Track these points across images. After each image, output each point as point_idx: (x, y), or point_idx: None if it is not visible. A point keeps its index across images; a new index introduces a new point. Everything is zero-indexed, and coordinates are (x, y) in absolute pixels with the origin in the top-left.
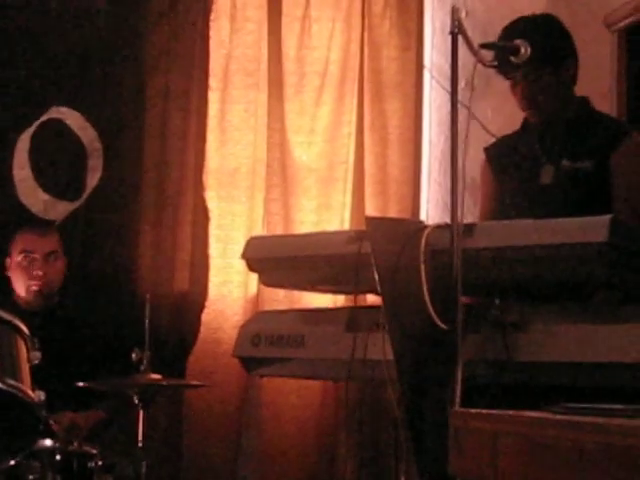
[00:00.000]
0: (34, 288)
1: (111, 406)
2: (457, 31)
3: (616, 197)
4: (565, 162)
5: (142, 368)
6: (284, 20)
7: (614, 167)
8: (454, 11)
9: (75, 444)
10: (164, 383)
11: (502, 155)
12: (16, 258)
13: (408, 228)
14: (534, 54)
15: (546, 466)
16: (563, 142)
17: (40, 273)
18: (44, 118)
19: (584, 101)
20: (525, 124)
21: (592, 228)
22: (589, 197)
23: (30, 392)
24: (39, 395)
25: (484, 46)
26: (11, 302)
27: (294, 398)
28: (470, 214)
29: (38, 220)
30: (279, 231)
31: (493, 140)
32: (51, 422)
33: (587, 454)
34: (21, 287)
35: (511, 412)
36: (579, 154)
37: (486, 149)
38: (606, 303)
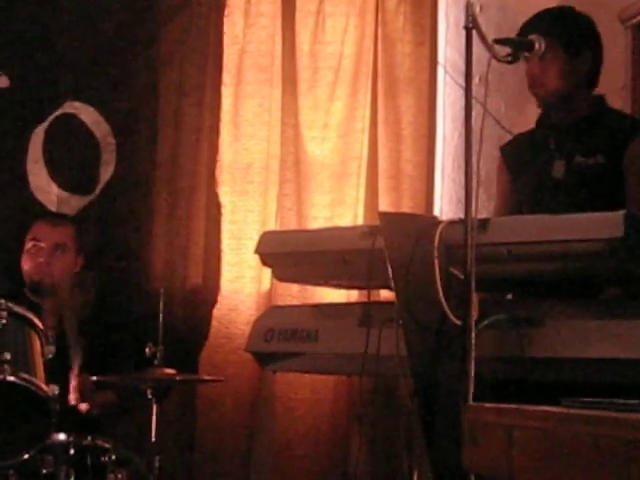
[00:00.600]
0: (37, 276)
1: (122, 394)
2: (471, 26)
3: (629, 193)
4: (578, 158)
5: (155, 362)
6: (298, 15)
7: (627, 163)
8: (468, 6)
9: (89, 438)
10: (177, 378)
11: (517, 153)
12: (26, 246)
13: (422, 223)
14: (549, 32)
15: (561, 460)
16: (576, 138)
17: (42, 261)
18: (58, 113)
19: (600, 99)
20: (540, 121)
21: (607, 224)
22: (602, 193)
23: (44, 386)
24: (53, 389)
25: (498, 41)
26: (22, 296)
27: (307, 393)
28: (484, 209)
29: (55, 213)
30: (292, 226)
31: (509, 138)
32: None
33: (602, 449)
34: (26, 273)
35: (525, 406)
36: (592, 150)
37: (502, 148)
38: (620, 299)
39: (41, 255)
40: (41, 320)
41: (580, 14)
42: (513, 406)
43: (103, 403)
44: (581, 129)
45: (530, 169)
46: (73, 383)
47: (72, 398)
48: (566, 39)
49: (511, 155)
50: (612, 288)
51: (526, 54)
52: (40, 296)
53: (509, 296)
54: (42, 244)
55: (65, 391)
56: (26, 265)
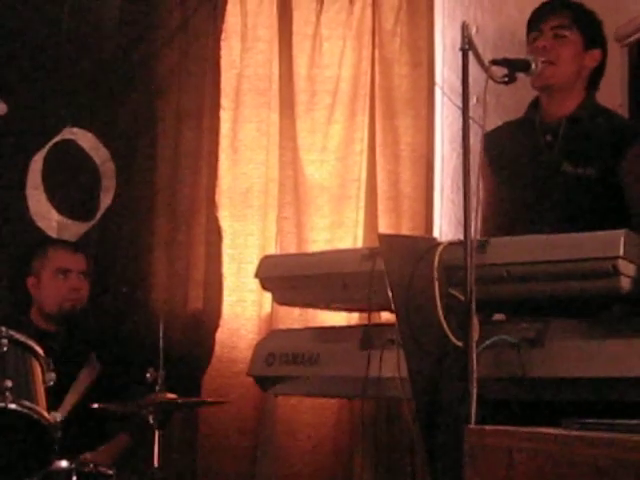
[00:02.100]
0: (68, 304)
1: (133, 427)
2: (468, 47)
3: (631, 202)
4: (566, 166)
5: (157, 388)
6: (295, 39)
7: (626, 171)
8: (464, 27)
9: (91, 465)
10: (179, 401)
11: (501, 143)
12: (49, 275)
13: (421, 245)
14: (570, 12)
15: None
16: (566, 142)
17: (77, 288)
18: (57, 139)
19: (590, 96)
20: (529, 113)
21: (606, 243)
22: (593, 203)
23: (45, 413)
24: (55, 416)
25: (495, 62)
26: (26, 322)
27: (309, 416)
28: None
29: (65, 241)
30: (292, 250)
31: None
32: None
33: (602, 470)
34: (52, 303)
35: (526, 428)
36: (582, 160)
37: (486, 135)
38: (621, 318)
39: (72, 283)
40: (46, 347)
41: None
42: (513, 428)
43: (119, 453)
44: (572, 132)
45: (515, 167)
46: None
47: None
48: (586, 27)
49: (495, 147)
50: (617, 307)
51: (522, 74)
52: (55, 323)
53: (513, 317)
54: (71, 272)
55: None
56: (53, 294)
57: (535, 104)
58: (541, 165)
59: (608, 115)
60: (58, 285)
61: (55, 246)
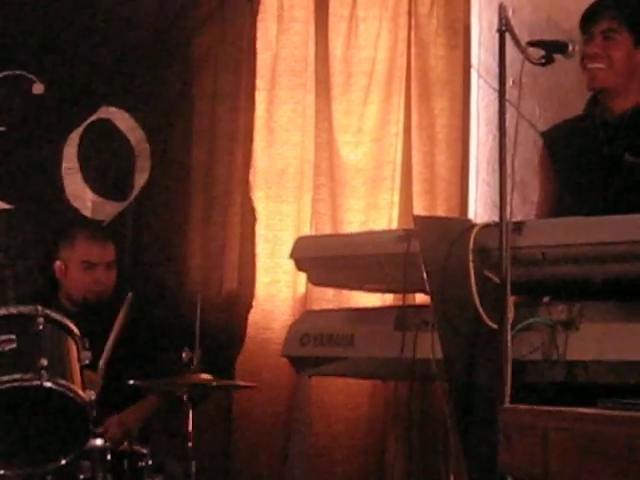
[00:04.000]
0: (92, 295)
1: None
2: (504, 29)
3: None
4: (628, 156)
5: (192, 368)
6: (331, 20)
7: None
8: (501, 9)
9: (125, 444)
10: (214, 384)
11: (562, 141)
12: (75, 266)
13: (456, 227)
14: (618, 14)
15: (596, 462)
16: (627, 133)
17: (102, 282)
18: (93, 118)
19: None
20: (588, 109)
21: None
22: None
23: (81, 392)
24: (90, 395)
25: (532, 44)
26: (55, 303)
27: (343, 397)
28: (519, 212)
29: (92, 224)
30: (327, 231)
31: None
32: (99, 431)
33: (637, 449)
34: (78, 292)
35: (561, 408)
36: None
37: (544, 134)
38: None
39: (98, 275)
40: (78, 327)
41: None
42: (548, 408)
43: (147, 414)
44: (631, 124)
45: (576, 162)
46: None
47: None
48: (635, 25)
49: (555, 143)
50: None
51: (560, 55)
52: (88, 313)
53: (546, 299)
54: (97, 265)
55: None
56: (79, 284)
57: (594, 100)
58: (603, 158)
59: None
60: (83, 277)
61: (83, 234)
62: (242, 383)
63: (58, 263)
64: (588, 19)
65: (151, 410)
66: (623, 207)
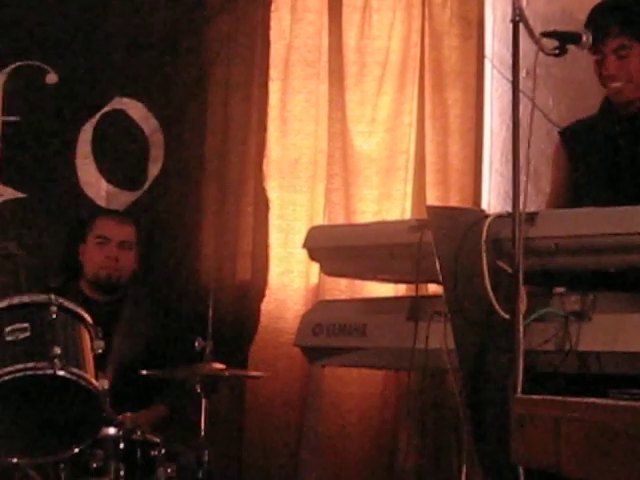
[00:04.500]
0: (104, 272)
1: (173, 401)
2: (518, 19)
3: None
4: None
5: (205, 357)
6: (345, 10)
7: None
8: (515, 0)
9: (139, 433)
10: (226, 374)
11: (579, 138)
12: (91, 242)
13: (469, 217)
14: (625, 29)
15: (608, 452)
16: None
17: (111, 257)
18: (107, 109)
19: None
20: (603, 108)
21: None
22: None
23: (94, 381)
24: (103, 384)
25: (545, 34)
26: (76, 290)
27: (355, 387)
28: (532, 203)
29: (117, 211)
30: (340, 221)
31: (556, 132)
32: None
33: None
34: (91, 270)
35: (574, 399)
36: None
37: (561, 132)
38: None
39: (109, 252)
40: (94, 315)
41: None
42: (561, 398)
43: (155, 421)
44: None
45: (593, 156)
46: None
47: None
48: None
49: (572, 140)
50: None
51: (574, 46)
52: (101, 292)
53: (560, 289)
54: (110, 241)
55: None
56: (92, 260)
57: (608, 99)
58: (619, 151)
59: None
60: (96, 252)
61: (104, 215)
62: (254, 373)
63: (82, 246)
64: (596, 37)
65: (159, 417)
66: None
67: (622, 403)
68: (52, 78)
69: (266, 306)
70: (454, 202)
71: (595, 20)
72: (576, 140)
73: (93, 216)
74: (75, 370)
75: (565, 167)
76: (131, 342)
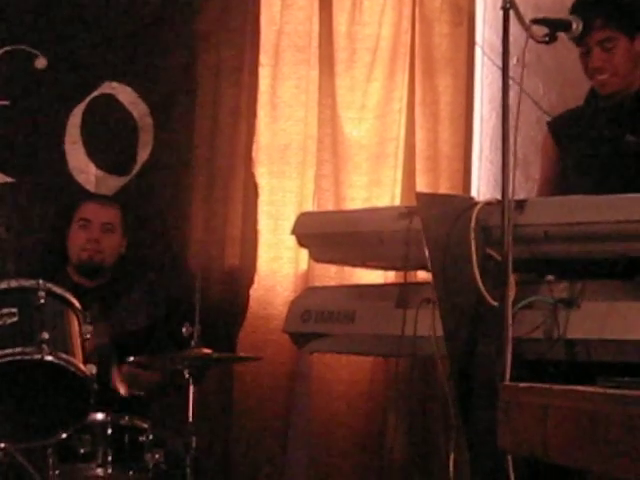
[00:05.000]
0: (85, 254)
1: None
2: (509, 6)
3: None
4: (629, 137)
5: (193, 343)
6: None
7: None
8: None
9: (127, 418)
10: (214, 356)
11: (566, 129)
12: (75, 225)
13: (459, 204)
14: (609, 21)
15: (595, 440)
16: (628, 116)
17: (92, 239)
18: (96, 93)
19: None
20: (589, 98)
21: None
22: None
23: (82, 366)
24: (91, 369)
25: (536, 21)
26: (64, 275)
27: (344, 374)
28: (521, 190)
29: (102, 195)
30: (330, 207)
31: (546, 119)
32: (113, 370)
33: (636, 428)
34: (75, 253)
35: (561, 386)
36: None
37: (549, 123)
38: None
39: (90, 234)
40: (82, 301)
41: None
42: (547, 386)
43: (149, 384)
44: (632, 107)
45: (579, 146)
46: (115, 374)
47: (119, 388)
48: (626, 25)
49: (559, 130)
50: None
51: (564, 33)
52: (85, 276)
53: (549, 277)
54: (91, 223)
55: (103, 372)
56: (74, 243)
57: (594, 89)
58: (604, 139)
59: None
60: (79, 234)
61: (89, 199)
62: (242, 354)
63: (68, 230)
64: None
65: (155, 381)
66: (624, 186)
67: (609, 391)
68: (41, 62)
69: (255, 292)
70: (444, 189)
71: (579, 12)
72: (563, 130)
73: (79, 200)
74: (63, 355)
75: (554, 157)
76: (118, 327)
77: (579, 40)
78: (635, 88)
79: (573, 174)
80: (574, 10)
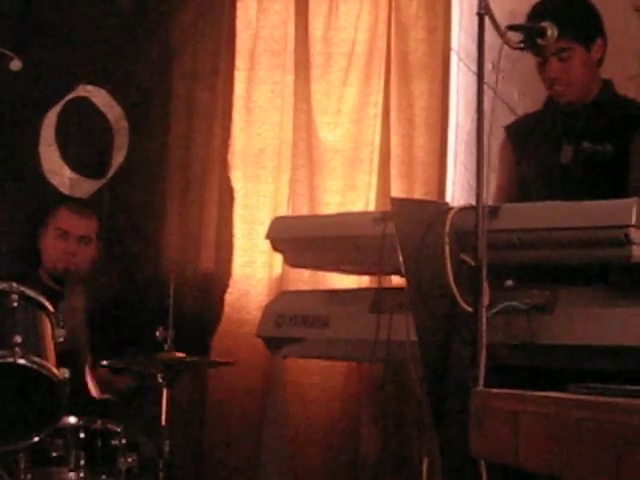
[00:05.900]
0: (61, 265)
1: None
2: (484, 12)
3: (633, 180)
4: (586, 144)
5: (166, 347)
6: (311, 0)
7: (634, 150)
8: None
9: (99, 422)
10: (188, 360)
11: (524, 134)
12: (50, 233)
13: (433, 210)
14: (565, 32)
15: (567, 446)
16: (585, 123)
17: (69, 251)
18: (71, 96)
19: (607, 84)
20: (548, 103)
21: (618, 211)
22: (608, 180)
23: (55, 369)
24: (63, 373)
25: (511, 28)
26: (35, 278)
27: (318, 378)
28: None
29: (81, 200)
30: (304, 212)
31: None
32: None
33: (608, 434)
34: (49, 261)
35: (532, 392)
36: (600, 136)
37: (507, 127)
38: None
39: (68, 246)
40: (55, 305)
41: (583, 1)
42: (519, 392)
43: (122, 388)
44: (589, 114)
45: (537, 152)
46: (89, 377)
47: (92, 390)
48: (582, 34)
49: (517, 135)
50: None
51: (539, 40)
52: (58, 283)
53: (523, 283)
54: (69, 235)
55: (75, 375)
56: (50, 252)
57: (550, 100)
58: (561, 146)
59: (626, 100)
60: (55, 245)
61: (66, 205)
62: (216, 359)
63: (42, 230)
64: None
65: (128, 385)
66: (583, 193)
67: (581, 397)
68: (16, 65)
69: (229, 297)
70: (419, 194)
71: (533, 22)
72: (521, 136)
73: (56, 204)
74: (36, 359)
75: (511, 162)
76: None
77: (535, 52)
78: (593, 96)
79: (531, 179)
80: (528, 20)
